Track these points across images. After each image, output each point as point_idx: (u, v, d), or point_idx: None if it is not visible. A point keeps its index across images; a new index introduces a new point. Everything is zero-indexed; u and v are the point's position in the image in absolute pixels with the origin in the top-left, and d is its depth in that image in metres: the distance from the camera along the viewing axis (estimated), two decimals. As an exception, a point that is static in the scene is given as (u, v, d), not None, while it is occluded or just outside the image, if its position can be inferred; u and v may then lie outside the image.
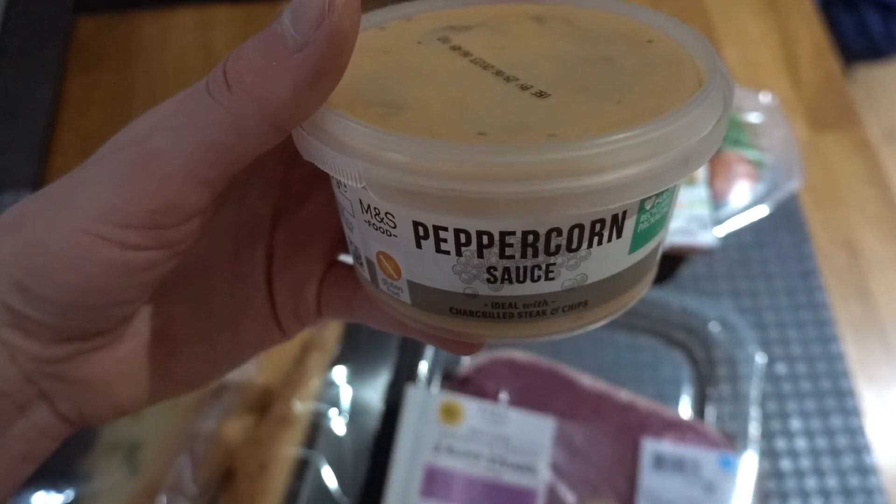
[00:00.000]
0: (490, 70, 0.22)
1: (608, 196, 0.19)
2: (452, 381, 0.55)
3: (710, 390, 0.57)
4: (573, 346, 0.59)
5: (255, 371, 0.53)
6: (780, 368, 0.58)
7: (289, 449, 0.52)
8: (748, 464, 0.51)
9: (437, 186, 0.19)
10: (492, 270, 0.21)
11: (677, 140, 0.19)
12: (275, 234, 0.28)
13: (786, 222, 0.64)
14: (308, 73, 0.18)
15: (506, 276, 0.22)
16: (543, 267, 0.21)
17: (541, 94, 0.21)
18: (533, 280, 0.22)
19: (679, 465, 0.51)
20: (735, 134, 0.61)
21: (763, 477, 0.53)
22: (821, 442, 0.56)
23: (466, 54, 0.23)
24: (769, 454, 0.55)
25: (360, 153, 0.20)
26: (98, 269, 0.20)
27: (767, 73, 0.72)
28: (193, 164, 0.20)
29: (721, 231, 0.56)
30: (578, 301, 0.23)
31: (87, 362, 0.23)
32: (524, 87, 0.21)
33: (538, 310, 0.22)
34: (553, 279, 0.22)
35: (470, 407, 0.53)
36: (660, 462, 0.51)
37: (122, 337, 0.25)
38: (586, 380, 0.55)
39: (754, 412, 0.53)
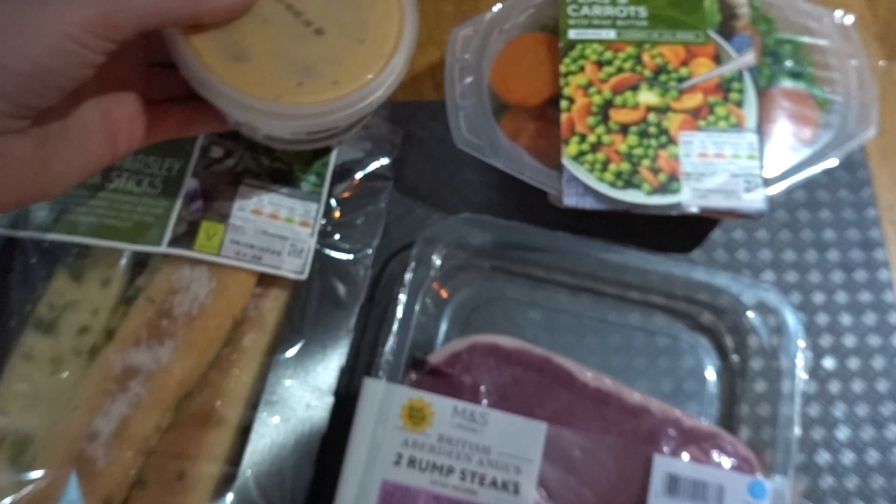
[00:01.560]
0: (289, 9, 0.37)
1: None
2: (420, 371, 0.44)
3: (741, 388, 0.46)
4: (575, 327, 0.48)
5: (170, 355, 0.42)
6: (828, 363, 0.47)
7: (213, 455, 0.42)
8: (785, 493, 0.41)
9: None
10: None
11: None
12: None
13: (846, 178, 0.52)
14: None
15: None
16: None
17: (318, 32, 0.37)
18: None
19: (698, 491, 0.41)
20: (796, 63, 0.48)
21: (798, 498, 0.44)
22: (872, 456, 0.45)
23: None
24: (808, 469, 0.45)
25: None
26: (65, 62, 0.30)
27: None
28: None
29: (772, 190, 0.44)
30: None
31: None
32: (307, 24, 0.37)
33: None
34: None
35: (440, 407, 0.42)
36: (674, 486, 0.41)
37: (30, 129, 0.32)
38: (589, 374, 0.44)
39: (797, 421, 0.43)
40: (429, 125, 0.52)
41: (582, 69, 0.47)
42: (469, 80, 0.48)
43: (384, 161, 0.49)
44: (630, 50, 0.47)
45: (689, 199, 0.44)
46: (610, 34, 0.48)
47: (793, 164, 0.45)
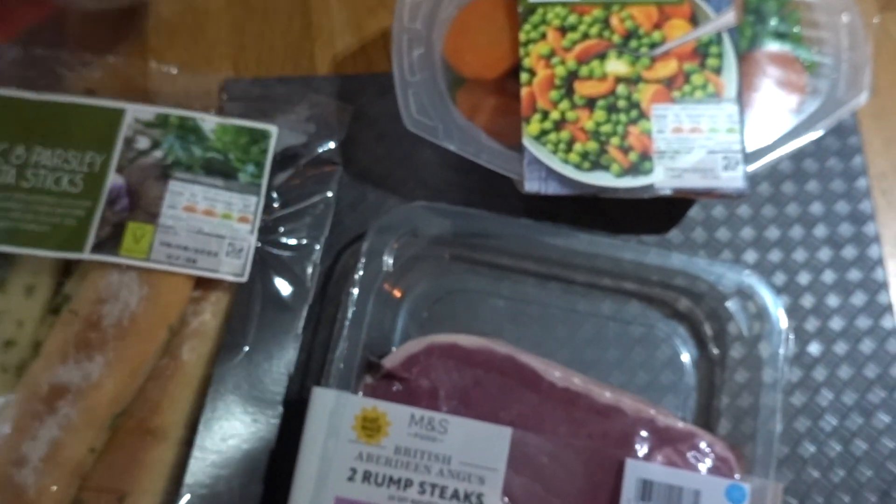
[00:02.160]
0: None
1: None
2: (375, 376, 0.41)
3: (720, 378, 0.43)
4: (543, 318, 0.44)
5: (101, 371, 0.38)
6: (813, 349, 0.44)
7: (154, 475, 0.39)
8: (765, 496, 0.38)
9: None
10: None
11: None
12: None
13: (836, 145, 0.48)
14: None
15: None
16: None
17: None
18: None
19: (673, 497, 0.38)
20: (781, 22, 0.43)
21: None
22: (860, 447, 0.43)
23: None
24: (791, 462, 0.43)
25: None
26: None
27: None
28: None
29: (754, 166, 0.40)
30: None
31: None
32: None
33: None
34: None
35: (396, 416, 0.39)
36: (647, 492, 0.38)
37: None
38: (557, 373, 0.41)
39: (778, 412, 0.40)
40: (381, 100, 0.48)
41: (543, 36, 0.42)
42: (419, 52, 0.43)
43: (331, 144, 0.45)
44: (597, 13, 0.42)
45: (662, 180, 0.40)
46: (574, -5, 0.43)
47: (776, 136, 0.41)
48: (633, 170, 0.40)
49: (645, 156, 0.41)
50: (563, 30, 0.42)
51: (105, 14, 0.50)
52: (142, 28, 0.50)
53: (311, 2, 0.51)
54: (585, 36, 0.42)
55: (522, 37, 0.42)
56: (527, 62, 0.42)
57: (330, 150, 0.45)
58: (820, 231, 0.46)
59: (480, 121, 0.43)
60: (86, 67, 0.46)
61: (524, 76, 0.42)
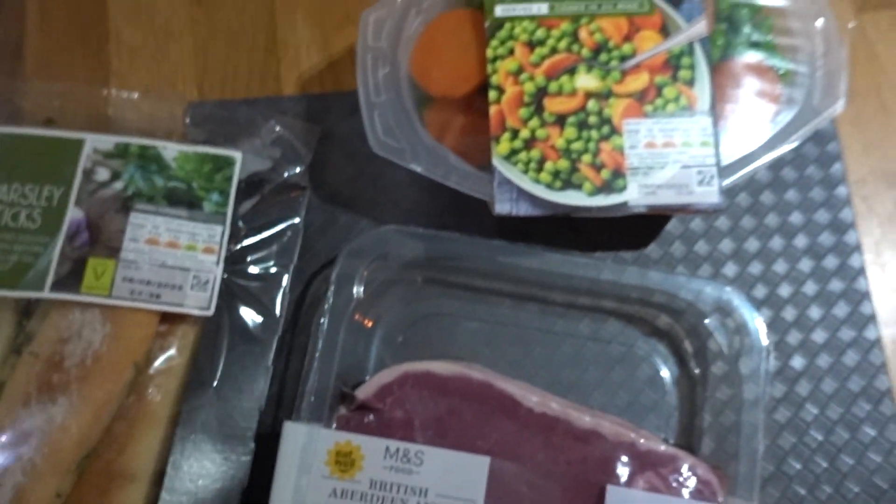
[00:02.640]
0: None
1: None
2: (348, 407, 0.40)
3: (701, 396, 0.42)
4: (520, 340, 0.43)
5: (65, 413, 0.37)
6: (797, 362, 0.43)
7: (123, 517, 0.38)
8: (750, 519, 0.37)
9: None
10: None
11: None
12: None
13: (814, 153, 0.47)
14: None
15: None
16: None
17: None
18: None
19: (656, 524, 0.37)
20: (754, 29, 0.42)
21: (767, 514, 0.40)
22: (847, 462, 0.42)
23: None
24: (777, 480, 0.42)
25: None
26: None
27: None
28: None
29: (730, 180, 0.39)
30: None
31: None
32: None
33: None
34: None
35: (371, 449, 0.38)
36: (630, 519, 0.38)
37: None
38: (534, 399, 0.40)
39: (761, 430, 0.39)
40: (350, 119, 0.47)
41: (511, 52, 0.41)
42: (384, 71, 0.42)
43: (298, 168, 0.44)
44: (565, 26, 0.41)
45: (636, 197, 0.39)
46: (542, 8, 0.42)
47: (752, 148, 0.40)
48: (606, 188, 0.39)
49: (618, 173, 0.39)
50: (532, 45, 0.41)
51: (65, 38, 0.49)
52: (103, 52, 0.49)
53: (276, 19, 0.50)
54: (554, 50, 0.41)
55: (490, 53, 0.41)
56: (495, 79, 0.41)
57: (297, 173, 0.44)
58: (800, 241, 0.45)
59: (449, 140, 0.41)
60: (45, 96, 0.45)
61: (492, 94, 0.40)
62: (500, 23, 0.41)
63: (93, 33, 0.49)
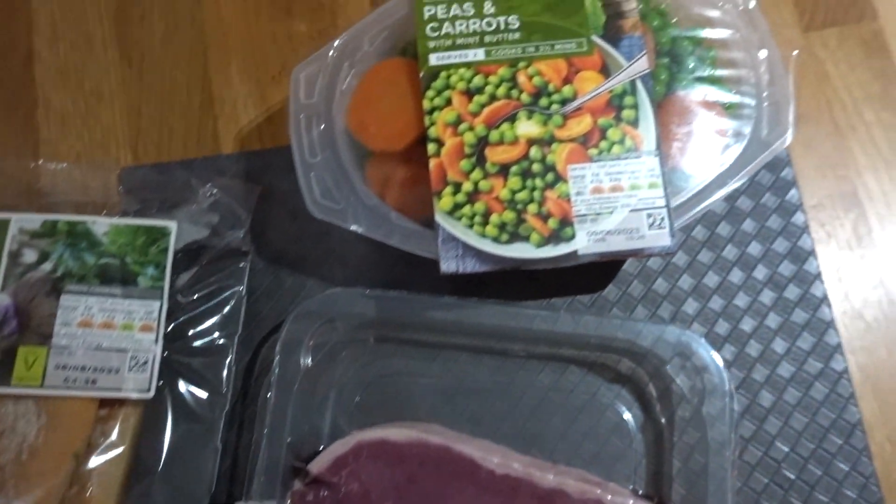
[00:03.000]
0: None
1: None
2: (302, 482, 0.38)
3: (668, 441, 0.41)
4: (479, 394, 0.42)
5: (2, 514, 0.35)
6: (764, 399, 0.42)
7: None
8: (723, 573, 0.36)
9: None
10: None
11: None
12: None
13: (769, 180, 0.46)
14: None
15: None
16: None
17: None
18: None
19: (627, 586, 0.36)
20: (698, 63, 0.41)
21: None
22: (821, 499, 0.41)
23: None
24: (750, 523, 0.41)
25: None
26: None
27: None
28: None
29: (681, 221, 0.38)
30: None
31: None
32: None
33: None
34: None
35: (327, 527, 0.36)
36: (600, 582, 0.36)
37: None
38: (496, 460, 0.39)
39: (730, 482, 0.38)
40: (291, 176, 0.44)
41: (449, 102, 0.40)
42: (319, 129, 0.40)
43: (238, 233, 0.42)
44: (503, 71, 0.40)
45: (585, 245, 0.38)
46: (478, 54, 0.40)
47: (701, 186, 0.39)
48: (554, 237, 0.38)
49: (565, 221, 0.38)
50: (470, 93, 0.40)
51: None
52: (32, 119, 0.47)
53: (210, 75, 0.48)
54: (493, 98, 0.40)
55: (427, 104, 0.40)
56: (433, 131, 0.39)
57: (237, 238, 0.42)
58: (760, 272, 0.44)
59: (391, 196, 0.40)
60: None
61: (431, 147, 0.39)
62: (435, 72, 0.40)
63: (20, 101, 0.47)
